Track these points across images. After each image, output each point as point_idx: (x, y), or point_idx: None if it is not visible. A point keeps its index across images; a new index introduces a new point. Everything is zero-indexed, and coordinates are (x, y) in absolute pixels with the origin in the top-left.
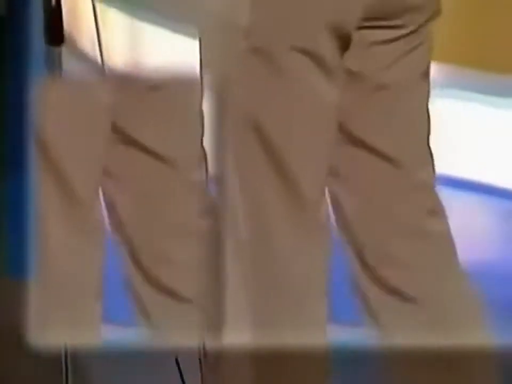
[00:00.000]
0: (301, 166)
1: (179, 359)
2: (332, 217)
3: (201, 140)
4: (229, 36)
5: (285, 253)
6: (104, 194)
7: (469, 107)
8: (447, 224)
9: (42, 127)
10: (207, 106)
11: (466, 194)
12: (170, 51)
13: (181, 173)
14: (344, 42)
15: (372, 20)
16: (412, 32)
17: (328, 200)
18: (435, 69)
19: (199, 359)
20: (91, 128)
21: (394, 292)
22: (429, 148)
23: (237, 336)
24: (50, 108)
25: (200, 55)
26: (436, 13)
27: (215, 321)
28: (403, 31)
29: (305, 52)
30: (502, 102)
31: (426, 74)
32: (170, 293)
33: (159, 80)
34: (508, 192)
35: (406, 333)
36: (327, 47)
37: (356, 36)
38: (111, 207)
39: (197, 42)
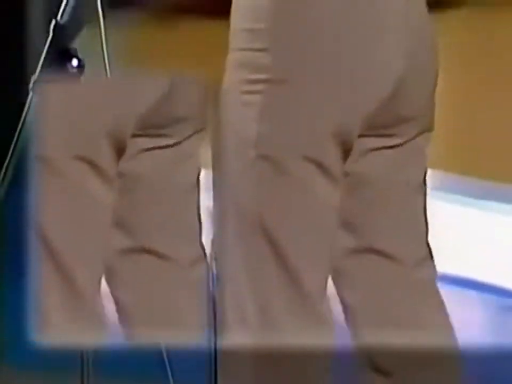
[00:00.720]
0: (304, 263)
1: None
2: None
3: (200, 237)
4: (238, 144)
5: (288, 340)
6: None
7: (461, 210)
8: (447, 317)
9: (43, 220)
10: (212, 205)
11: (464, 291)
12: None
13: (181, 270)
14: (347, 149)
15: (371, 129)
16: (407, 141)
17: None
18: (432, 175)
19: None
20: (92, 221)
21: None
22: (429, 247)
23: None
24: (51, 199)
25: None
26: (430, 127)
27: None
28: (399, 140)
29: (310, 160)
30: (495, 206)
31: (423, 179)
32: None
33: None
34: (503, 290)
35: None
36: (331, 155)
37: (357, 143)
38: (114, 302)
39: None
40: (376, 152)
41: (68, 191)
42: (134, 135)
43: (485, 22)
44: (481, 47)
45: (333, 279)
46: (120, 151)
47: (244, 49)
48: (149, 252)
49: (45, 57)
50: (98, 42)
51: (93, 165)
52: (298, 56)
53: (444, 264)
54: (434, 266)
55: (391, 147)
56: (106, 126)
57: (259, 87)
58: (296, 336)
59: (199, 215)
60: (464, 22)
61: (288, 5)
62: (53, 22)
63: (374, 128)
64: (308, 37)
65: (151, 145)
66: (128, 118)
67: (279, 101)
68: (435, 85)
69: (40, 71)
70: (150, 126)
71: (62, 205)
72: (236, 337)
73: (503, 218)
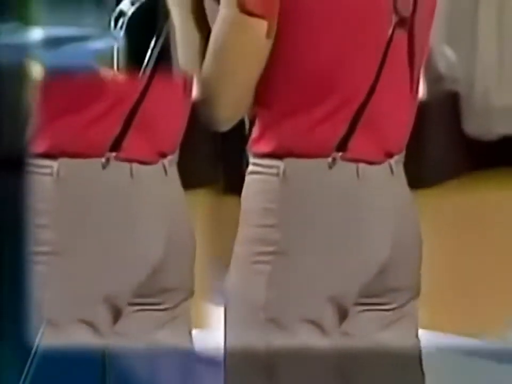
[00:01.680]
0: None
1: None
2: None
3: None
4: (249, 308)
5: None
6: None
7: (455, 368)
8: None
9: None
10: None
11: None
12: None
13: None
14: (343, 313)
15: (364, 297)
16: (397, 307)
17: None
18: (425, 335)
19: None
20: None
21: None
22: None
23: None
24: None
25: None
26: (417, 294)
27: None
28: (392, 306)
29: (310, 321)
30: (482, 363)
31: (415, 340)
32: None
33: None
34: None
35: None
36: (328, 317)
37: (352, 308)
38: None
39: None
40: (369, 317)
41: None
42: (130, 303)
43: (460, 197)
44: (460, 218)
45: None
46: (117, 315)
47: (256, 226)
48: None
49: None
50: None
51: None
52: (302, 232)
53: None
54: None
55: (384, 310)
56: (104, 293)
57: (268, 258)
58: None
59: None
60: (441, 199)
61: (296, 186)
62: None
63: (367, 296)
64: (311, 217)
65: (142, 308)
66: (125, 288)
67: (285, 270)
68: (420, 258)
69: None
70: (142, 296)
71: None
72: None
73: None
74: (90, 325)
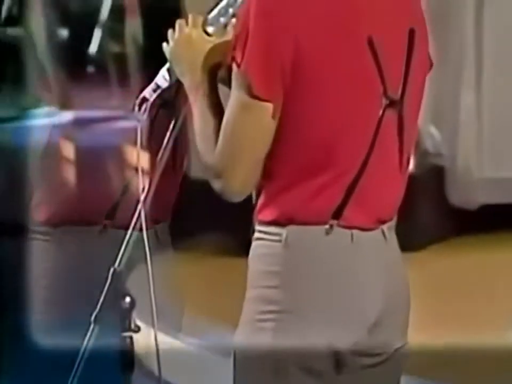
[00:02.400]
0: None
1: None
2: None
3: None
4: (255, 359)
5: None
6: None
7: None
8: None
9: None
10: None
11: None
12: None
13: None
14: (340, 365)
15: (359, 350)
16: (388, 358)
17: None
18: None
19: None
20: None
21: None
22: None
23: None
24: None
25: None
26: (404, 344)
27: None
28: (382, 358)
29: (309, 370)
30: None
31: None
32: None
33: None
34: None
35: None
36: (327, 367)
37: (349, 361)
38: None
39: None
40: (363, 370)
41: None
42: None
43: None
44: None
45: None
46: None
47: (261, 287)
48: None
49: (104, 298)
50: (147, 280)
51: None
52: (303, 292)
53: None
54: None
55: (376, 364)
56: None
57: (272, 316)
58: None
59: None
60: (427, 261)
61: (297, 251)
62: (112, 269)
63: (362, 347)
64: (311, 278)
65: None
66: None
67: (287, 326)
68: (408, 314)
69: (100, 310)
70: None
71: None
72: None
73: None
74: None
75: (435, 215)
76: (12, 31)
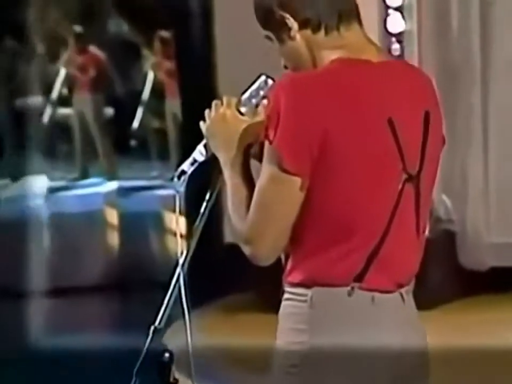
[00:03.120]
0: None
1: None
2: None
3: None
4: None
5: None
6: None
7: None
8: None
9: None
10: None
11: None
12: None
13: None
14: None
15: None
16: None
17: None
18: None
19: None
20: None
21: None
22: None
23: None
24: None
25: None
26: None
27: None
28: None
29: None
30: None
31: None
32: None
33: None
34: None
35: None
36: None
37: None
38: None
39: None
40: None
41: None
42: None
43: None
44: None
45: None
46: None
47: (289, 342)
48: None
49: (144, 356)
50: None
51: None
52: (327, 348)
53: None
54: None
55: None
56: None
57: (297, 369)
58: None
59: None
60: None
61: (321, 311)
62: (152, 327)
63: None
64: (335, 335)
65: None
66: None
67: (311, 379)
68: (428, 369)
69: (141, 364)
70: None
71: None
72: None
73: None
74: None
75: (447, 276)
76: (63, 111)
